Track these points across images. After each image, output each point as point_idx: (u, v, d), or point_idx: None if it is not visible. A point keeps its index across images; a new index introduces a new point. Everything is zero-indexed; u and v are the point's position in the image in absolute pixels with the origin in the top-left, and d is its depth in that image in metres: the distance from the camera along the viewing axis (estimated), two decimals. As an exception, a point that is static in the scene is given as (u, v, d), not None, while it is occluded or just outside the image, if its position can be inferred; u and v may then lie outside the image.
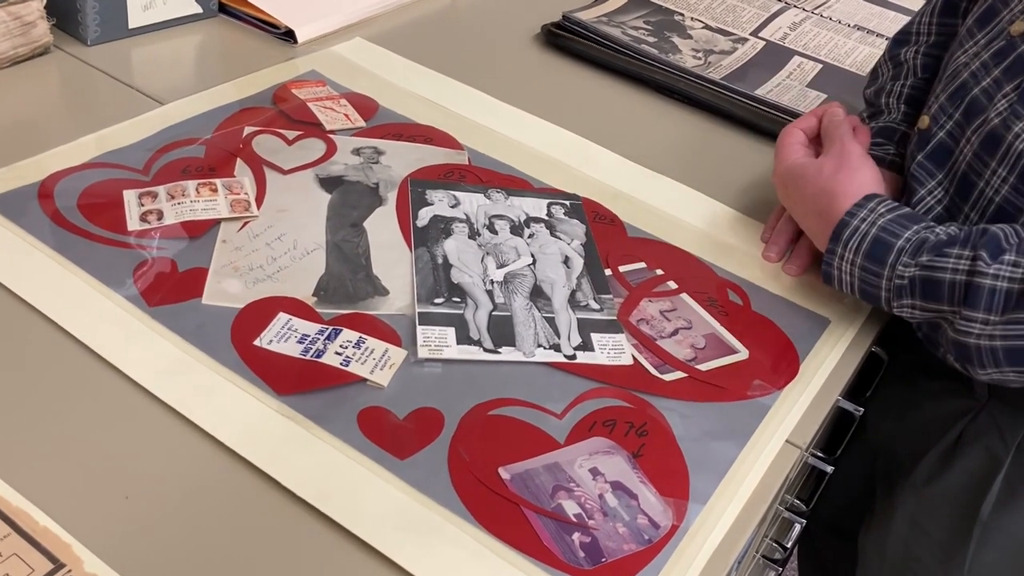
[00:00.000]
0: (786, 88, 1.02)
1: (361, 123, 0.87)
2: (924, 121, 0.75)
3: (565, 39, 1.05)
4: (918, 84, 0.85)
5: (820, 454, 0.73)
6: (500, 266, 0.73)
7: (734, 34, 1.11)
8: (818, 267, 0.73)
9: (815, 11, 1.21)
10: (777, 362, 0.69)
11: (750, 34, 1.12)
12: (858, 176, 0.72)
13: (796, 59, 1.08)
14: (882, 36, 1.16)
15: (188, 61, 0.94)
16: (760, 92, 1.00)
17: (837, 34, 1.15)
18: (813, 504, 0.82)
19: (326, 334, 0.64)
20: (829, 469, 0.78)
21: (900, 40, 0.90)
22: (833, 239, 0.69)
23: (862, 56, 1.11)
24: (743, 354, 0.69)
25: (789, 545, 0.81)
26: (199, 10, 0.97)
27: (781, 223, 0.80)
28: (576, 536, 0.54)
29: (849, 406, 0.73)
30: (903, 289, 0.66)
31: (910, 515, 0.77)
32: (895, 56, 0.88)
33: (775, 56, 1.08)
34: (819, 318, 0.74)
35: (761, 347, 0.70)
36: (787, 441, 0.63)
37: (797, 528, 0.82)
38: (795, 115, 0.95)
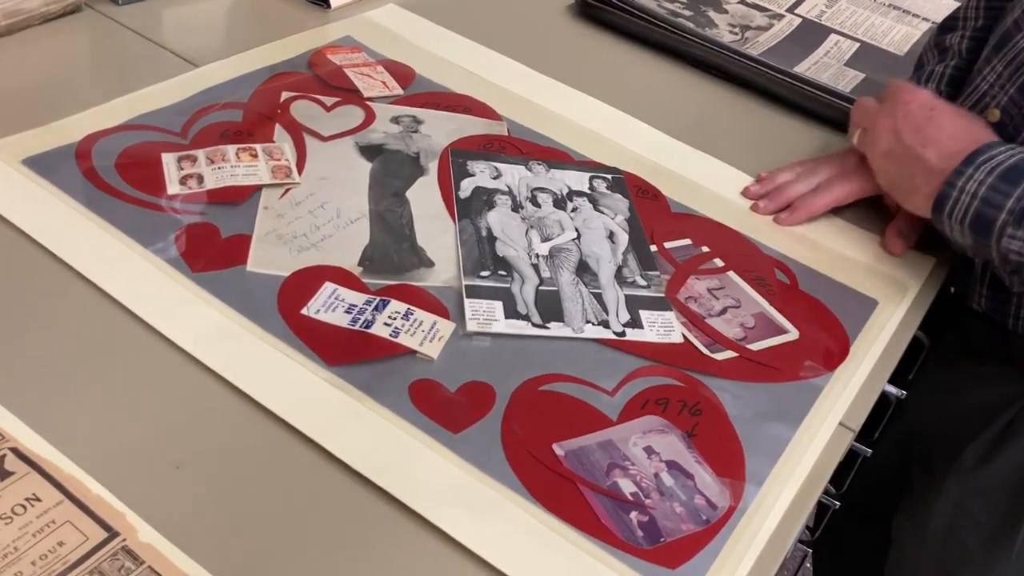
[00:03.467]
0: (824, 66, 1.00)
1: (399, 91, 0.85)
2: (994, 115, 0.73)
3: (600, 10, 1.03)
4: (961, 65, 0.83)
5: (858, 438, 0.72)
6: (545, 240, 0.71)
7: (770, 10, 1.10)
8: (864, 245, 0.71)
9: (850, -11, 1.19)
10: (827, 343, 0.68)
11: (786, 11, 1.10)
12: (981, 122, 0.72)
13: (833, 37, 1.06)
14: (917, 16, 1.15)
15: (220, 23, 0.92)
16: (798, 69, 0.99)
17: (873, 12, 1.13)
18: (846, 487, 0.81)
19: (374, 304, 0.62)
20: (868, 452, 0.77)
21: (946, 27, 0.88)
22: (966, 161, 0.67)
23: (899, 36, 1.09)
24: (793, 334, 0.68)
25: (820, 527, 0.81)
26: (231, -29, 0.95)
27: (797, 176, 0.80)
28: (634, 515, 0.53)
29: (893, 390, 0.72)
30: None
31: (955, 500, 0.76)
32: (940, 43, 0.87)
33: (812, 34, 1.06)
34: (867, 299, 0.73)
35: (811, 328, 0.69)
36: (840, 424, 0.62)
37: (829, 511, 0.81)
38: (834, 93, 0.94)
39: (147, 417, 0.53)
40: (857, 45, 1.06)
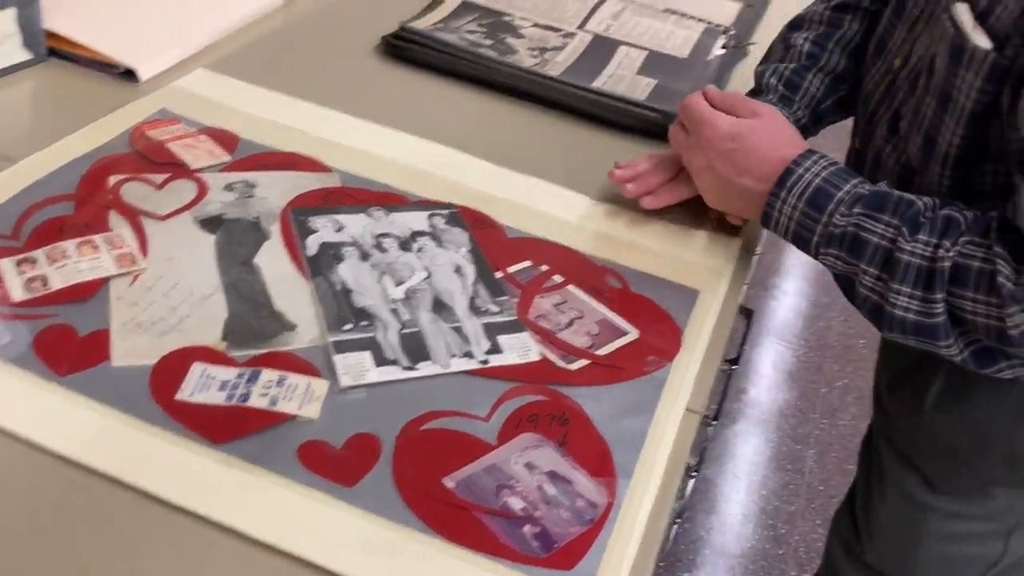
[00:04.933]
0: (619, 78, 1.09)
1: (226, 157, 0.86)
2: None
3: (405, 49, 1.08)
4: (799, 70, 0.93)
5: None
6: (398, 284, 0.75)
7: (562, 29, 1.18)
8: (682, 241, 0.80)
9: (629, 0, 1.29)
10: (663, 336, 0.76)
11: (577, 28, 1.19)
12: (788, 131, 0.81)
13: (623, 48, 1.16)
14: (693, 18, 1.26)
15: (27, 113, 0.90)
16: (597, 84, 1.07)
17: (654, 20, 1.24)
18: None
19: (246, 377, 0.64)
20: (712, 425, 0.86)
21: (795, 24, 0.97)
22: (778, 184, 0.76)
23: (680, 40, 1.20)
24: (633, 334, 0.75)
25: (686, 495, 0.89)
26: (28, 56, 0.93)
27: (655, 167, 0.88)
28: (527, 528, 0.58)
29: (724, 367, 0.82)
30: (833, 238, 0.73)
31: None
32: (787, 38, 0.96)
33: (603, 48, 1.15)
34: (690, 291, 0.82)
35: (647, 325, 0.76)
36: (687, 409, 0.70)
37: (691, 482, 0.90)
38: (633, 103, 1.03)
39: (42, 534, 0.53)
40: (645, 53, 1.16)
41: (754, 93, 0.94)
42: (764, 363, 2.26)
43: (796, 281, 2.55)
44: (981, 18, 0.66)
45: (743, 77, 1.17)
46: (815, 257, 0.76)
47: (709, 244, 0.88)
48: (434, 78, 1.06)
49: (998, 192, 0.71)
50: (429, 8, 1.17)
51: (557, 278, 0.80)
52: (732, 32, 1.25)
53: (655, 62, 1.14)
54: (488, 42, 1.12)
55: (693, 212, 0.90)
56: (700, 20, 1.26)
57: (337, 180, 0.86)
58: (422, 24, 1.13)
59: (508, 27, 1.16)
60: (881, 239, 0.71)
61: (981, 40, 0.67)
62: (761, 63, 0.98)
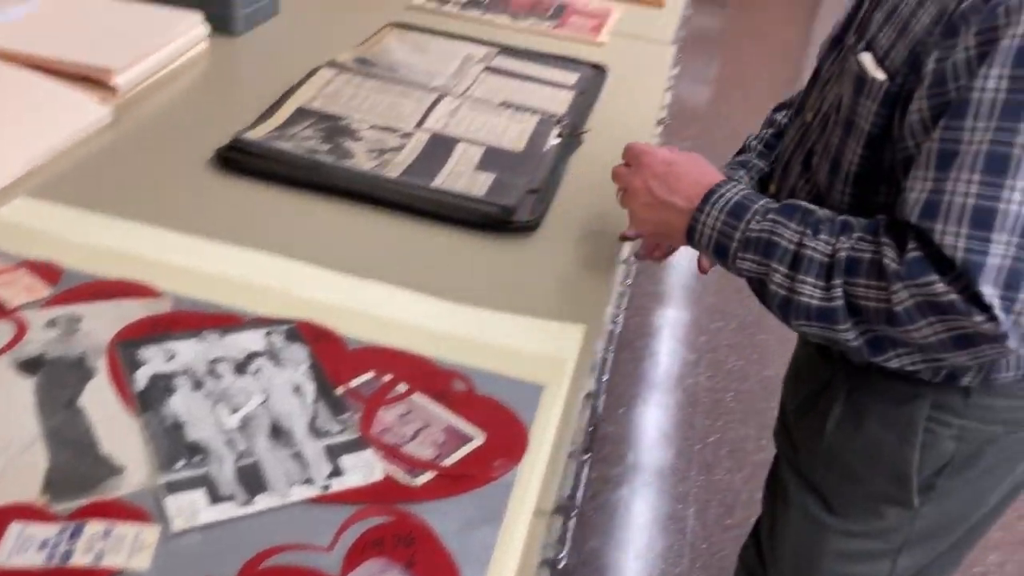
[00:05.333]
0: (458, 175, 1.11)
1: (47, 291, 0.83)
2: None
3: (240, 161, 1.07)
4: (776, 135, 1.14)
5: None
6: (233, 411, 0.73)
7: (400, 130, 1.19)
8: (526, 333, 0.81)
9: (464, 95, 1.33)
10: (510, 437, 0.76)
11: (415, 127, 1.21)
12: (713, 169, 0.95)
13: (461, 145, 1.18)
14: (528, 109, 1.30)
15: None
16: (437, 183, 1.09)
17: (491, 115, 1.27)
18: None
19: (69, 532, 0.61)
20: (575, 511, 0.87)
21: (777, 108, 1.18)
22: (703, 201, 0.89)
23: (515, 133, 1.23)
24: (479, 439, 0.75)
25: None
26: None
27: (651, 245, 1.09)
28: (373, 663, 0.57)
29: (580, 459, 0.82)
30: (750, 243, 0.84)
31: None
32: (771, 118, 1.17)
33: (442, 145, 1.17)
34: (535, 387, 0.82)
35: (493, 427, 0.77)
36: (535, 513, 0.70)
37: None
38: (472, 199, 1.05)
39: None
40: (483, 149, 1.18)
41: (739, 152, 1.15)
42: (640, 425, 2.30)
43: (665, 341, 2.62)
44: (880, 61, 0.86)
45: (580, 164, 1.22)
46: (732, 264, 0.87)
47: (553, 335, 0.89)
48: (272, 188, 1.06)
49: (889, 208, 0.83)
50: (263, 117, 1.17)
51: (401, 387, 0.79)
52: (566, 121, 1.29)
53: (493, 157, 1.17)
54: (325, 147, 1.12)
55: (537, 303, 0.92)
56: (535, 112, 1.30)
57: (168, 305, 0.84)
58: (256, 134, 1.12)
59: (345, 131, 1.17)
60: (789, 242, 0.82)
61: (879, 75, 0.85)
62: (750, 137, 1.17)
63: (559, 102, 1.36)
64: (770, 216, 0.85)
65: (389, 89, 1.30)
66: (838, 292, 0.79)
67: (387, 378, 0.80)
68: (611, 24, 1.77)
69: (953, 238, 0.73)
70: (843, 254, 0.79)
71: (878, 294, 0.77)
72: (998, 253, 0.72)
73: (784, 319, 0.85)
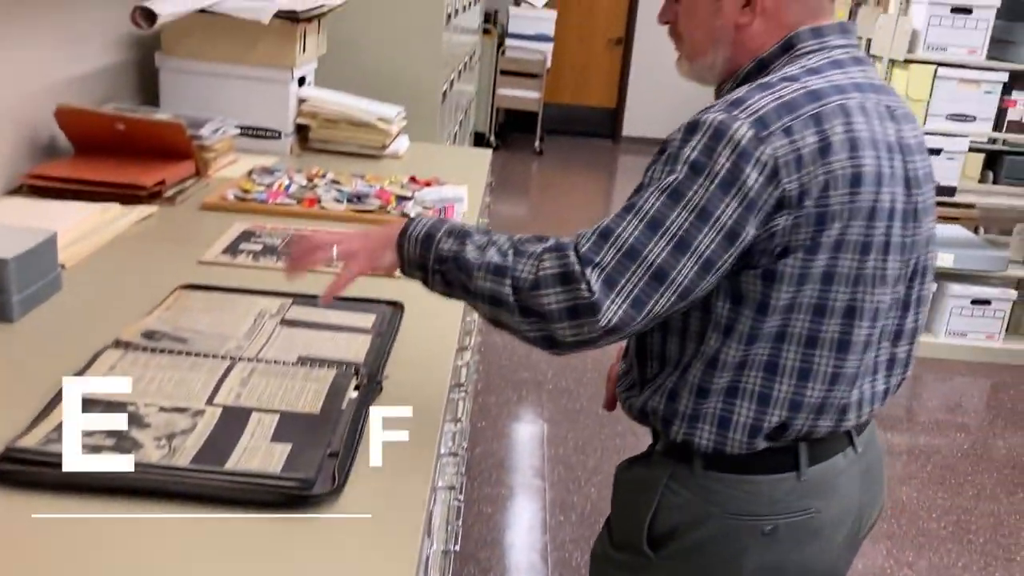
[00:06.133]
0: (254, 451, 1.09)
1: None
2: None
3: (15, 473, 1.01)
4: None
5: None
6: None
7: (190, 408, 1.17)
8: None
9: (258, 357, 1.32)
10: None
11: (206, 403, 1.19)
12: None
13: (255, 415, 1.16)
14: (325, 362, 1.31)
15: None
16: (231, 463, 1.06)
17: (285, 378, 1.27)
18: None
19: None
20: None
21: None
22: (400, 235, 1.23)
23: (311, 395, 1.23)
24: None
25: None
26: None
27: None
28: None
29: None
30: (441, 257, 1.19)
31: None
32: None
33: (235, 418, 1.15)
34: None
35: None
36: None
37: None
38: (265, 476, 1.03)
39: None
40: (277, 416, 1.17)
41: None
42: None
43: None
44: None
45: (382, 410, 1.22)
46: (432, 288, 1.24)
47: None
48: (59, 499, 1.00)
49: None
50: (41, 415, 1.12)
51: None
52: (363, 371, 1.31)
53: (289, 424, 1.16)
54: (110, 442, 1.08)
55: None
56: (332, 364, 1.31)
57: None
58: (32, 439, 1.07)
59: (132, 419, 1.13)
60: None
61: None
62: None
63: (356, 349, 1.38)
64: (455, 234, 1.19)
65: (178, 364, 1.27)
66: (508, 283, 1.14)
67: None
68: (406, 254, 1.84)
69: (584, 241, 1.13)
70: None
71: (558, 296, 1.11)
72: (608, 260, 1.10)
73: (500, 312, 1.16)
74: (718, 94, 1.29)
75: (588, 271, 1.08)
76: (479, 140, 7.24)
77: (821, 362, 1.19)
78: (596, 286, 1.08)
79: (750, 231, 1.11)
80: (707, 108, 1.17)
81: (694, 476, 1.27)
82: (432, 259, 1.19)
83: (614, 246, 1.10)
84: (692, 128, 1.13)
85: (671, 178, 1.11)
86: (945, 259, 4.26)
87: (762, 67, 1.23)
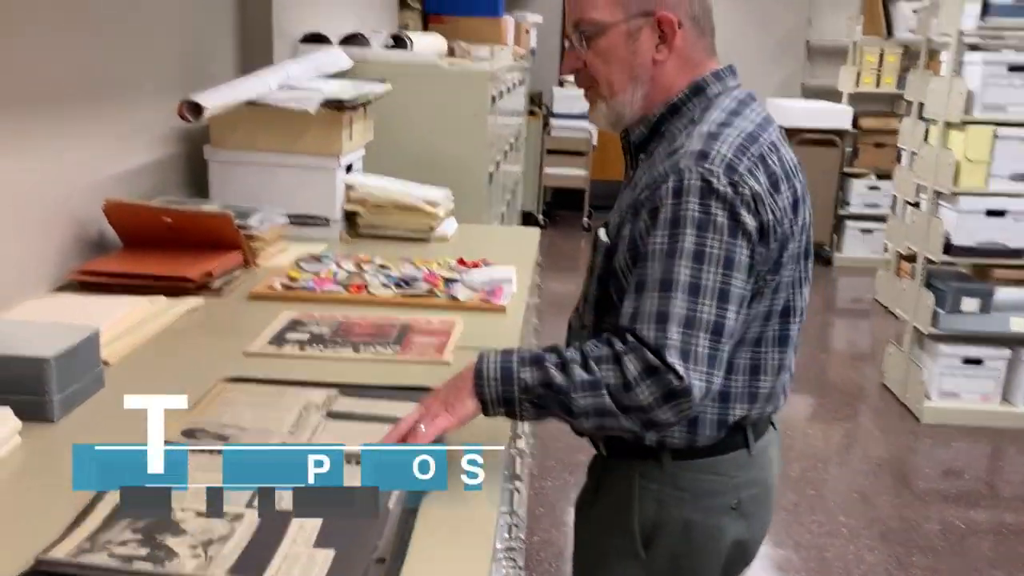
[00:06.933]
0: (294, 559, 1.02)
1: None
2: None
3: (44, 587, 0.95)
4: None
5: None
6: None
7: (227, 513, 1.10)
8: None
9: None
10: None
11: (244, 506, 1.12)
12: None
13: (296, 521, 1.09)
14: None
15: None
16: (270, 573, 0.99)
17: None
18: None
19: None
20: None
21: None
22: (476, 376, 1.25)
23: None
24: None
25: None
26: None
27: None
28: None
29: None
30: (527, 387, 1.23)
31: None
32: None
33: (275, 524, 1.08)
34: None
35: None
36: None
37: None
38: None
39: None
40: (320, 520, 1.10)
41: None
42: None
43: None
44: (607, 231, 1.38)
45: (428, 513, 1.14)
46: (520, 416, 1.27)
47: None
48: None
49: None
50: (75, 523, 1.07)
51: None
52: (411, 466, 1.23)
53: (332, 528, 1.08)
54: (143, 551, 1.02)
55: None
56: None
57: None
58: (63, 549, 1.01)
59: (167, 525, 1.07)
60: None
61: (604, 239, 1.38)
62: None
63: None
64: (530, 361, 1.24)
65: (217, 464, 1.21)
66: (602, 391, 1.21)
67: None
68: (455, 338, 1.77)
69: (646, 331, 1.21)
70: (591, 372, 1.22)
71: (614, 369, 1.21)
72: (675, 337, 1.20)
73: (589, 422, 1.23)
74: (624, 138, 1.44)
75: (666, 356, 1.19)
76: (527, 219, 7.24)
77: (768, 358, 1.38)
78: (677, 366, 1.19)
79: (756, 258, 1.27)
80: (676, 160, 1.27)
81: (663, 469, 1.41)
82: (517, 391, 1.23)
83: (673, 323, 1.21)
84: (677, 191, 1.24)
85: (684, 243, 1.23)
86: (1018, 324, 4.07)
87: (674, 110, 1.37)
